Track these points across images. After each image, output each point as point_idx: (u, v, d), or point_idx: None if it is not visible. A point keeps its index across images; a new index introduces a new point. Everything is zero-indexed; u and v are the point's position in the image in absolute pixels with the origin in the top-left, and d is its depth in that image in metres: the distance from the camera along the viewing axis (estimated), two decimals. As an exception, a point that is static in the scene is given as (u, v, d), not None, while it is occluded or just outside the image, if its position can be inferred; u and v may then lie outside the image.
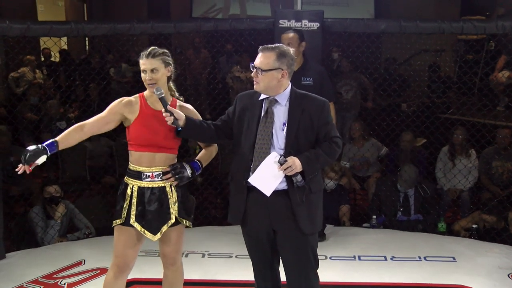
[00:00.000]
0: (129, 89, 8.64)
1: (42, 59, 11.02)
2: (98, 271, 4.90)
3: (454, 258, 5.22)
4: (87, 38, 11.86)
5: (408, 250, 5.39)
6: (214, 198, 6.46)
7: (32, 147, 3.29)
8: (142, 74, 3.47)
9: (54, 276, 4.85)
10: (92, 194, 6.64)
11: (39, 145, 3.30)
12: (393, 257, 5.26)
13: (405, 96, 8.15)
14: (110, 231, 5.75)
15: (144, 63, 3.46)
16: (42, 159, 3.30)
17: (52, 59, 10.23)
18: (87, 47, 11.74)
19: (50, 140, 3.35)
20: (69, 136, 3.44)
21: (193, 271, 4.62)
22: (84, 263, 5.07)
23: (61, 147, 3.39)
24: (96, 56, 10.21)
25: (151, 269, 4.62)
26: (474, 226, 5.83)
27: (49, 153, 3.32)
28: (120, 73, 9.66)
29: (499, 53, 7.52)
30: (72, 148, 7.33)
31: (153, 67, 3.45)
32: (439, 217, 6.11)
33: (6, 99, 8.97)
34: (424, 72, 8.30)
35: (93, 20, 12.51)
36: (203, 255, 5.25)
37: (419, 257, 5.24)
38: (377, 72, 7.89)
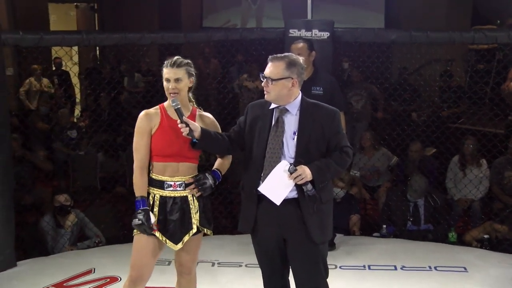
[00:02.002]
0: (140, 99, 8.68)
1: (54, 68, 11.12)
2: (108, 280, 4.91)
3: (465, 268, 5.18)
4: (97, 48, 11.97)
5: (418, 260, 5.36)
6: (224, 207, 6.46)
7: (136, 221, 3.44)
8: (165, 83, 3.48)
9: (65, 284, 4.87)
10: (103, 203, 6.66)
11: (137, 217, 3.44)
12: (403, 266, 5.23)
13: (415, 105, 8.14)
14: (120, 240, 5.83)
15: (168, 72, 3.46)
16: (152, 217, 3.47)
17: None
18: (94, 56, 11.82)
19: (139, 200, 3.48)
20: (144, 184, 3.53)
21: (202, 280, 4.60)
22: (94, 272, 5.08)
23: (146, 194, 3.52)
24: (107, 65, 10.29)
25: (160, 278, 4.62)
26: (486, 236, 5.79)
27: (147, 207, 3.47)
28: (133, 83, 9.72)
29: (510, 62, 7.50)
30: (83, 157, 7.41)
31: (178, 76, 3.46)
32: (449, 227, 6.07)
33: (18, 108, 9.04)
34: (434, 82, 8.28)
35: (104, 29, 12.59)
36: (213, 264, 5.25)
37: (430, 267, 5.21)
38: (388, 82, 7.88)
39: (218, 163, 3.69)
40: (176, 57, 3.52)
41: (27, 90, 9.45)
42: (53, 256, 5.55)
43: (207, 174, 3.56)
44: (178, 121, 3.40)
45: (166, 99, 3.57)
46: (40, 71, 9.52)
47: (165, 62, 3.50)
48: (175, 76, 3.46)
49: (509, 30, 5.65)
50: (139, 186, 3.52)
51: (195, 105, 3.66)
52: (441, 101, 8.09)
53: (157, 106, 3.59)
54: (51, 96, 9.45)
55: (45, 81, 9.67)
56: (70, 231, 5.73)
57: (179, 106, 3.42)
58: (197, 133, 3.40)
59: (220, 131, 3.65)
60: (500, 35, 5.63)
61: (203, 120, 3.58)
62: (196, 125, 3.42)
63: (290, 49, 5.13)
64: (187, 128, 3.37)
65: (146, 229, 3.43)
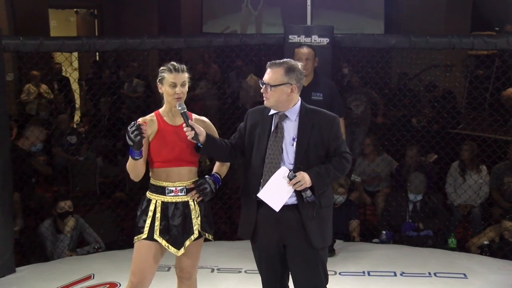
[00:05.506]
0: (139, 104, 8.68)
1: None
2: (108, 286, 4.91)
3: (465, 274, 5.17)
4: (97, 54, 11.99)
5: (418, 266, 5.35)
6: (223, 213, 6.45)
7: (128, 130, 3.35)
8: (169, 88, 3.46)
9: (64, 290, 4.87)
10: (102, 208, 6.65)
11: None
12: (403, 273, 5.22)
13: (415, 111, 8.14)
14: (119, 246, 5.83)
15: (174, 77, 3.46)
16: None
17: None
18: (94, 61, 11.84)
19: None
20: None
21: (202, 286, 4.60)
22: (93, 278, 5.07)
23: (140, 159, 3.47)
24: (107, 71, 10.29)
25: (160, 284, 4.60)
26: (486, 242, 5.77)
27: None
28: (131, 88, 9.72)
29: (510, 68, 7.50)
30: (82, 162, 7.42)
31: (183, 80, 3.48)
32: (449, 233, 6.07)
33: (18, 114, 9.04)
34: (433, 87, 8.28)
35: (104, 35, 12.61)
36: (212, 270, 5.24)
37: (429, 273, 5.20)
38: (387, 87, 7.88)
39: (216, 167, 3.70)
40: (175, 63, 3.52)
41: (26, 97, 9.44)
42: (52, 261, 5.54)
43: (207, 179, 3.56)
44: (184, 124, 3.41)
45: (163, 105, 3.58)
46: (39, 77, 9.52)
47: (167, 67, 3.49)
48: (181, 81, 3.47)
49: (508, 36, 5.64)
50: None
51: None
52: (440, 106, 8.09)
53: (153, 114, 3.59)
54: (50, 101, 9.44)
55: (43, 86, 9.66)
56: (69, 236, 5.73)
57: (185, 109, 3.43)
58: (202, 137, 3.40)
59: (216, 134, 3.66)
60: (499, 41, 5.64)
61: (200, 124, 3.57)
62: (202, 129, 3.42)
63: (292, 53, 5.14)
64: (193, 132, 3.37)
65: (139, 130, 3.34)
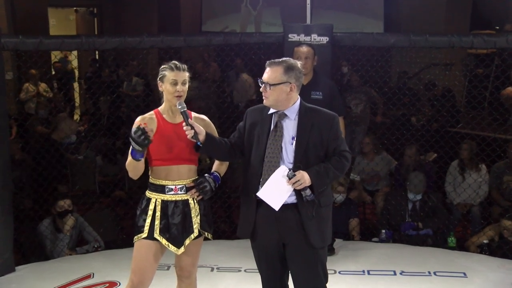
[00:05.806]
0: (139, 102, 8.68)
1: (53, 72, 11.13)
2: (107, 285, 4.90)
3: (465, 273, 5.17)
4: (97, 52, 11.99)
5: (417, 264, 5.35)
6: (223, 212, 6.45)
7: (132, 133, 3.32)
8: (170, 86, 3.47)
9: (63, 289, 4.86)
10: (102, 207, 6.65)
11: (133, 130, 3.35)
12: (403, 271, 5.22)
13: (414, 110, 8.15)
14: (119, 245, 5.83)
15: (175, 74, 3.46)
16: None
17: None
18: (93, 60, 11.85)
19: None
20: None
21: (202, 285, 4.59)
22: (93, 277, 5.07)
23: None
24: (106, 70, 10.29)
25: (159, 283, 4.59)
26: (485, 241, 5.77)
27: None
28: (131, 87, 9.72)
29: (509, 67, 7.51)
30: (82, 161, 7.43)
31: (184, 79, 3.48)
32: (448, 232, 6.07)
33: (18, 113, 9.04)
34: (433, 86, 8.29)
35: (104, 34, 12.61)
36: (212, 269, 5.24)
37: (429, 272, 5.20)
38: (387, 86, 7.88)
39: (216, 165, 3.70)
40: (176, 61, 3.53)
41: (26, 95, 9.45)
42: (52, 260, 5.55)
43: (207, 177, 3.56)
44: (184, 123, 3.41)
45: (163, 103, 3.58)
46: (38, 76, 9.52)
47: (169, 65, 3.49)
48: (182, 79, 3.48)
49: (507, 35, 5.64)
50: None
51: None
52: (440, 105, 8.10)
53: (152, 112, 3.59)
54: (49, 100, 9.44)
55: (42, 85, 9.66)
56: (69, 235, 5.73)
57: (185, 108, 3.43)
58: (202, 136, 3.40)
59: (216, 133, 3.66)
60: (498, 40, 5.63)
61: (200, 122, 3.57)
62: (202, 128, 3.42)
63: (291, 52, 5.13)
64: (192, 131, 3.37)
65: (145, 134, 3.31)
